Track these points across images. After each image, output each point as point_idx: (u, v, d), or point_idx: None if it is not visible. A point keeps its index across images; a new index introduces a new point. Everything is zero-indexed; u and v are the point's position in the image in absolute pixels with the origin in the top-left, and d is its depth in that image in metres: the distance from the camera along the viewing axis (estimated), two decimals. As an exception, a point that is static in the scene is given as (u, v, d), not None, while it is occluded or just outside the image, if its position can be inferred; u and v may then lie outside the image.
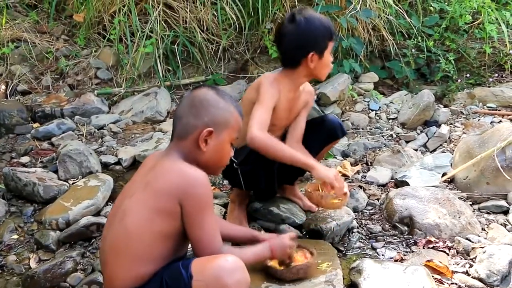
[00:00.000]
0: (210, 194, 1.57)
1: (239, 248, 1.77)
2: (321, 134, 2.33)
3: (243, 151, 2.07)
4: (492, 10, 4.25)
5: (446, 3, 4.35)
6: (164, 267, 1.53)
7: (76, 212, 2.35)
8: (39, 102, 3.66)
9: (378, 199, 2.64)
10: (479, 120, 3.54)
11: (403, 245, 2.28)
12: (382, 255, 2.22)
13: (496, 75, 4.24)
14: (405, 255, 2.20)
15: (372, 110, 3.75)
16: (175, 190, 1.50)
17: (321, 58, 2.11)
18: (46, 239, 2.24)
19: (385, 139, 3.39)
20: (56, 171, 2.79)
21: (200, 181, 1.52)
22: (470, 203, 2.59)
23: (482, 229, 2.39)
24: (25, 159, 3.01)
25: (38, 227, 2.40)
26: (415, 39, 4.10)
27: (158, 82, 3.93)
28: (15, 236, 2.35)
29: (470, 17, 4.17)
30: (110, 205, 2.52)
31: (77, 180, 2.70)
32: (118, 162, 2.98)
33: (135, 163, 2.97)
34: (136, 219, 1.51)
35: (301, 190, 2.54)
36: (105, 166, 2.95)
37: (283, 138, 2.25)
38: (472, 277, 2.03)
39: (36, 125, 3.48)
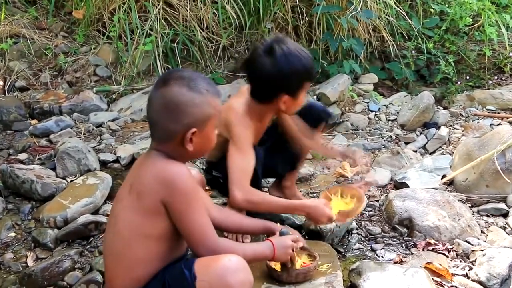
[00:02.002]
0: (193, 187, 1.51)
1: (239, 244, 1.72)
2: (308, 121, 2.28)
3: (222, 162, 1.99)
4: (492, 13, 4.25)
5: (446, 5, 4.35)
6: (164, 268, 1.52)
7: (74, 210, 2.33)
8: (37, 99, 3.64)
9: (377, 201, 2.64)
10: (478, 122, 3.54)
11: (402, 247, 2.28)
12: (382, 257, 2.22)
13: (496, 77, 4.24)
14: (404, 257, 2.19)
15: (372, 111, 3.75)
16: (156, 189, 1.47)
17: (295, 99, 1.98)
18: (43, 237, 2.23)
19: (384, 140, 3.39)
20: (54, 169, 2.77)
21: (180, 176, 1.48)
22: (470, 205, 2.59)
23: (482, 231, 2.39)
24: (23, 156, 2.98)
25: (36, 225, 2.38)
26: (415, 41, 4.10)
27: (157, 80, 3.91)
28: (12, 234, 2.33)
29: (470, 20, 4.17)
30: (108, 203, 2.51)
31: (75, 178, 2.68)
32: (117, 160, 2.96)
33: (134, 161, 2.95)
34: (126, 224, 1.50)
35: (300, 191, 2.54)
36: (104, 164, 2.93)
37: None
38: (472, 280, 2.03)
39: (34, 121, 3.46)
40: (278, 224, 1.94)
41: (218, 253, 1.49)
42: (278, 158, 2.30)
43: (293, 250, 1.80)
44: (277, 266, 1.88)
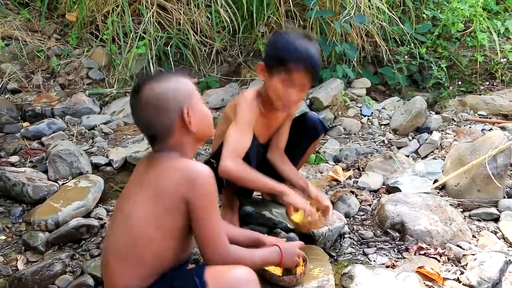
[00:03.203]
0: (215, 189, 1.54)
1: (248, 250, 1.71)
2: (302, 134, 2.32)
3: (219, 151, 2.02)
4: (483, 19, 4.29)
5: (438, 11, 4.38)
6: (171, 273, 1.51)
7: (66, 213, 2.32)
8: (29, 101, 3.62)
9: (370, 205, 2.64)
10: (470, 127, 3.56)
11: (394, 251, 2.28)
12: (374, 261, 2.22)
13: (487, 83, 4.27)
14: (396, 261, 2.20)
15: (365, 116, 3.76)
16: (180, 187, 1.48)
17: (270, 76, 2.04)
18: (34, 240, 2.21)
19: (377, 144, 3.40)
20: (46, 171, 2.75)
21: (205, 177, 1.50)
22: (461, 210, 2.60)
23: (473, 236, 2.40)
24: (14, 159, 2.96)
25: (27, 228, 2.36)
26: (408, 46, 4.13)
27: (150, 84, 3.90)
28: (3, 237, 2.30)
29: (462, 25, 4.21)
30: (100, 206, 2.50)
31: (67, 181, 2.67)
32: (109, 163, 2.96)
33: (126, 165, 2.95)
34: (141, 217, 1.50)
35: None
36: (96, 167, 2.92)
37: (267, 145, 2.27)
38: (463, 284, 2.03)
39: (26, 124, 3.44)
40: (266, 234, 1.98)
41: (227, 259, 1.52)
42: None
43: (298, 257, 1.84)
44: (275, 270, 1.89)
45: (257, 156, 2.13)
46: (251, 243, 1.86)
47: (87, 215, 2.40)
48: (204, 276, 1.45)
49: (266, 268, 1.88)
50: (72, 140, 3.22)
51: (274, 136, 2.29)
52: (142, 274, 1.50)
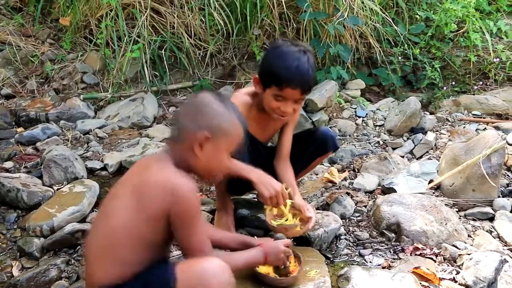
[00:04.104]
0: (198, 202, 1.56)
1: (230, 253, 1.77)
2: (312, 146, 2.33)
3: None
4: (476, 19, 4.32)
5: (431, 12, 4.41)
6: (146, 270, 1.52)
7: (61, 218, 2.31)
8: (23, 106, 3.60)
9: (365, 206, 2.65)
10: (464, 127, 3.58)
11: (390, 252, 2.29)
12: (370, 262, 2.22)
13: (481, 83, 4.30)
14: (392, 262, 2.20)
15: (359, 117, 3.77)
16: (162, 199, 1.49)
17: (263, 91, 2.08)
18: (29, 246, 2.20)
19: (372, 146, 3.40)
20: (40, 177, 2.74)
21: (187, 191, 1.51)
22: (457, 209, 2.61)
23: (469, 235, 2.41)
24: (8, 164, 2.95)
25: (22, 234, 2.35)
26: (402, 47, 4.15)
27: (145, 87, 3.91)
28: (-2, 243, 2.30)
29: (455, 26, 4.23)
30: (95, 211, 2.49)
31: (62, 186, 2.66)
32: (104, 168, 2.95)
33: (121, 169, 2.94)
34: (121, 223, 1.51)
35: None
36: (91, 172, 2.91)
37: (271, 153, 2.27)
38: (459, 284, 2.04)
39: (20, 129, 3.42)
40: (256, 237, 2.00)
41: None
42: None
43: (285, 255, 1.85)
44: (264, 270, 1.89)
45: (255, 154, 2.13)
46: (240, 246, 1.88)
47: (83, 220, 2.40)
48: (174, 270, 1.47)
49: (262, 272, 1.88)
50: (66, 145, 3.21)
51: (277, 144, 2.30)
52: (119, 272, 1.51)
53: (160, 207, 1.49)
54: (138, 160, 1.70)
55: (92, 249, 1.57)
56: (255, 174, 2.02)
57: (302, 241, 2.23)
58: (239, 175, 2.00)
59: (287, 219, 2.11)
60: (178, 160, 1.57)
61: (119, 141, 3.33)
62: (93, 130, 3.45)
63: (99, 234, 1.56)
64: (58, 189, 2.62)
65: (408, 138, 3.46)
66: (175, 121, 1.64)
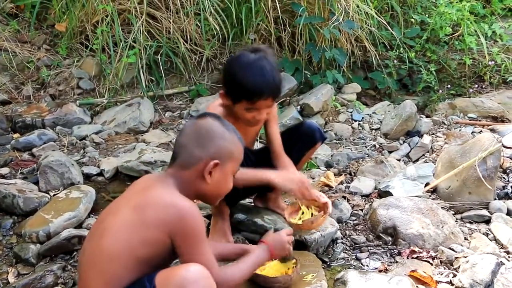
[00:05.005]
0: (202, 224, 1.56)
1: (236, 263, 1.75)
2: (299, 141, 2.32)
3: None
4: (471, 23, 4.33)
5: (426, 15, 4.43)
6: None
7: (57, 224, 2.31)
8: (19, 112, 3.60)
9: (362, 210, 2.65)
10: (460, 130, 3.59)
11: (387, 256, 2.29)
12: (367, 265, 2.23)
13: (476, 86, 4.31)
14: (389, 266, 2.20)
15: (355, 121, 3.78)
16: (165, 223, 1.49)
17: (233, 103, 2.05)
18: (25, 252, 2.20)
19: (368, 149, 3.41)
20: (36, 183, 2.74)
21: (191, 214, 1.51)
22: (453, 212, 2.62)
23: (465, 238, 2.41)
24: (4, 170, 2.95)
25: (18, 240, 2.35)
26: (397, 50, 4.16)
27: (141, 93, 3.91)
28: (-7, 250, 2.30)
29: (450, 29, 4.25)
30: (92, 217, 2.49)
31: (58, 192, 2.65)
32: (101, 173, 2.95)
33: (118, 174, 2.94)
34: (116, 240, 1.49)
35: (285, 201, 2.54)
36: (87, 177, 2.91)
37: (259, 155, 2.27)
38: (456, 287, 2.05)
39: (16, 135, 3.42)
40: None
41: (224, 283, 1.56)
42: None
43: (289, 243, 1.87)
44: (268, 273, 1.89)
45: (244, 160, 2.11)
46: (238, 255, 1.87)
47: (79, 226, 2.39)
48: (154, 280, 1.45)
49: (259, 273, 1.87)
50: (63, 150, 3.21)
51: (268, 144, 2.29)
52: (108, 284, 1.48)
53: (162, 230, 1.49)
54: (140, 178, 1.68)
55: (85, 264, 1.55)
56: (272, 174, 2.06)
57: (299, 245, 2.23)
58: (257, 182, 2.02)
59: (303, 212, 2.11)
60: (183, 185, 1.58)
61: (116, 146, 3.33)
62: (90, 135, 3.45)
63: (92, 250, 1.54)
64: (54, 195, 2.62)
65: (404, 142, 3.47)
66: (179, 147, 1.62)
